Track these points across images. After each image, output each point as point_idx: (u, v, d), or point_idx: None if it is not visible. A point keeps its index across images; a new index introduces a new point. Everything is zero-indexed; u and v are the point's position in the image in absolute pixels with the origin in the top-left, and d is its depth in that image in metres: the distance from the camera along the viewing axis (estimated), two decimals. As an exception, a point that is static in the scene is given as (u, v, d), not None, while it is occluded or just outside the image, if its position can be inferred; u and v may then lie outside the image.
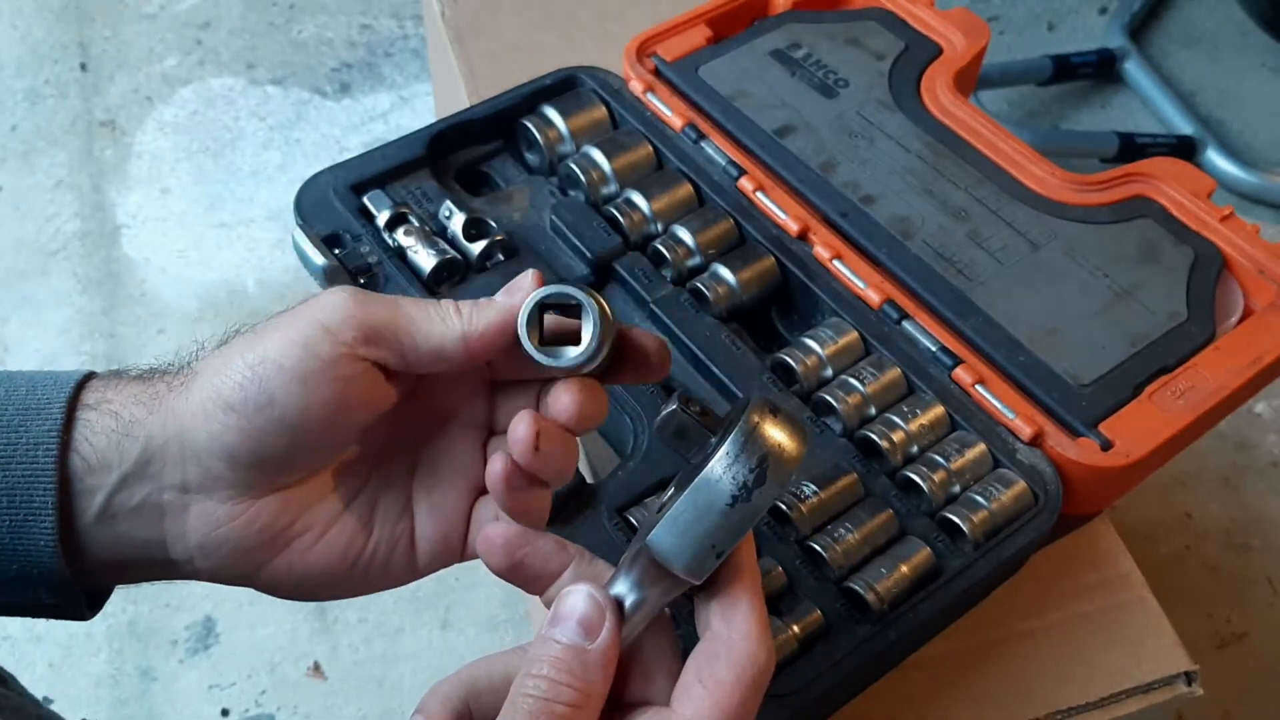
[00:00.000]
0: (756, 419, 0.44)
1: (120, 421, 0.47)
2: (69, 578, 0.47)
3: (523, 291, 0.48)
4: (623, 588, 0.46)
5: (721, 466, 0.43)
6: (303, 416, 0.46)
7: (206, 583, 0.51)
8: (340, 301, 0.47)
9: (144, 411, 0.47)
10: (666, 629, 0.48)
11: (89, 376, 0.49)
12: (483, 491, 0.52)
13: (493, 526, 0.49)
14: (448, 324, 0.47)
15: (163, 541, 0.48)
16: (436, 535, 0.52)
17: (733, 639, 0.44)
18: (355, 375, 0.46)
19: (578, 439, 0.50)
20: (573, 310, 0.47)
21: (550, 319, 0.48)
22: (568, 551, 0.49)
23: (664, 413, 0.48)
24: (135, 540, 0.48)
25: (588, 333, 0.47)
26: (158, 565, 0.49)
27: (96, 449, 0.47)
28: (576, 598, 0.45)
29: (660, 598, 0.45)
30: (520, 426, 0.47)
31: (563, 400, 0.48)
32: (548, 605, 0.48)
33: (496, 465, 0.48)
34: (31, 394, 0.48)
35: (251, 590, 0.51)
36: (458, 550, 0.53)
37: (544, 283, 0.48)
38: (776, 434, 0.44)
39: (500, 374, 0.52)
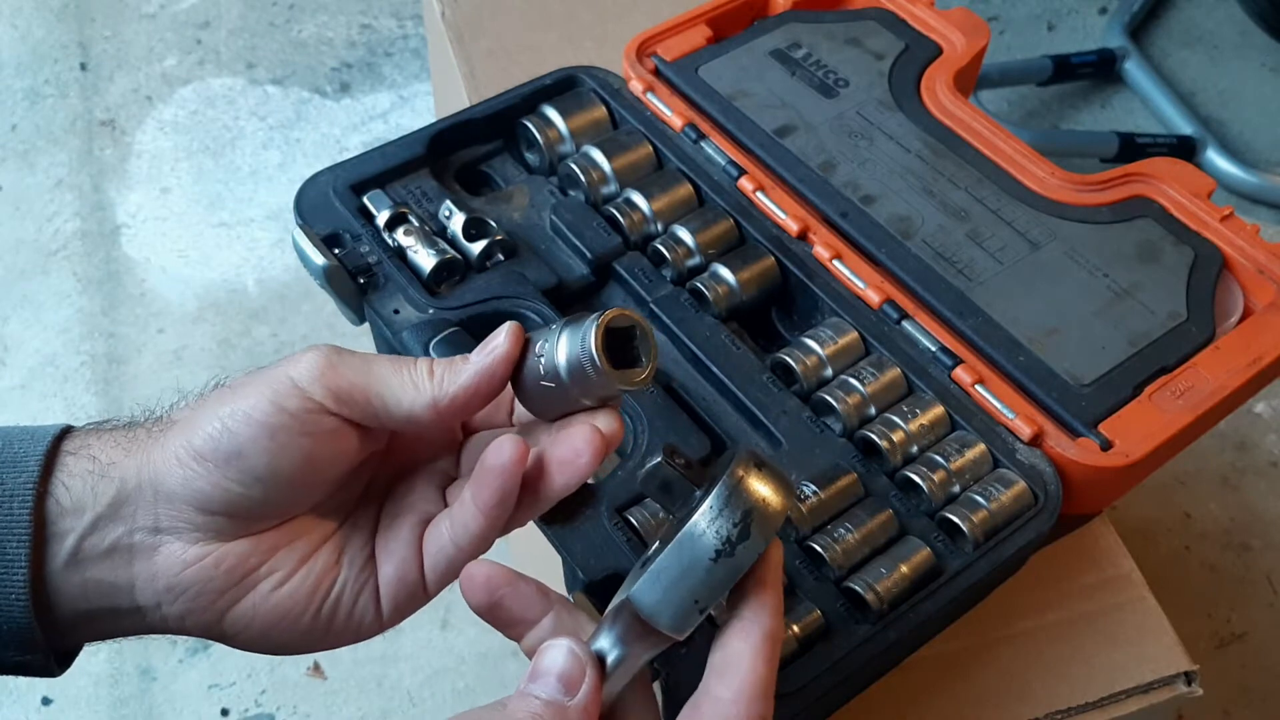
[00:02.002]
0: (740, 473, 0.44)
1: (97, 464, 0.48)
2: (39, 632, 0.47)
3: (500, 349, 0.48)
4: (605, 642, 0.45)
5: (705, 521, 0.43)
6: (271, 469, 0.47)
7: (175, 635, 0.51)
8: (314, 360, 0.48)
9: (121, 454, 0.48)
10: (647, 686, 0.48)
11: (68, 430, 0.50)
12: (429, 521, 0.53)
13: (476, 564, 0.49)
14: (419, 389, 0.48)
15: (131, 586, 0.49)
16: (396, 576, 0.52)
17: (722, 698, 0.44)
18: (324, 431, 0.47)
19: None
20: (621, 335, 0.47)
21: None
22: (549, 599, 0.49)
23: (648, 466, 0.48)
24: (104, 585, 0.48)
25: (646, 353, 0.47)
26: (125, 614, 0.49)
27: (72, 492, 0.47)
28: (556, 652, 0.45)
29: (643, 653, 0.45)
30: (580, 441, 0.48)
31: (614, 424, 0.48)
32: (527, 654, 0.48)
33: (509, 451, 0.47)
34: (8, 448, 0.48)
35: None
36: (419, 586, 0.53)
37: (523, 335, 0.49)
38: (761, 488, 0.44)
39: (475, 424, 0.53)
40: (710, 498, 0.43)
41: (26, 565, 0.46)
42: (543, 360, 0.48)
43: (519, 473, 0.48)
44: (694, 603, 0.44)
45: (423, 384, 0.48)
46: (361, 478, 0.53)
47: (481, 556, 0.51)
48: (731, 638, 0.45)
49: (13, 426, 0.50)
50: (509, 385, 0.49)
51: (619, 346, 0.47)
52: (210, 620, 0.50)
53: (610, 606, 0.46)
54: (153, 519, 0.48)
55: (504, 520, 0.50)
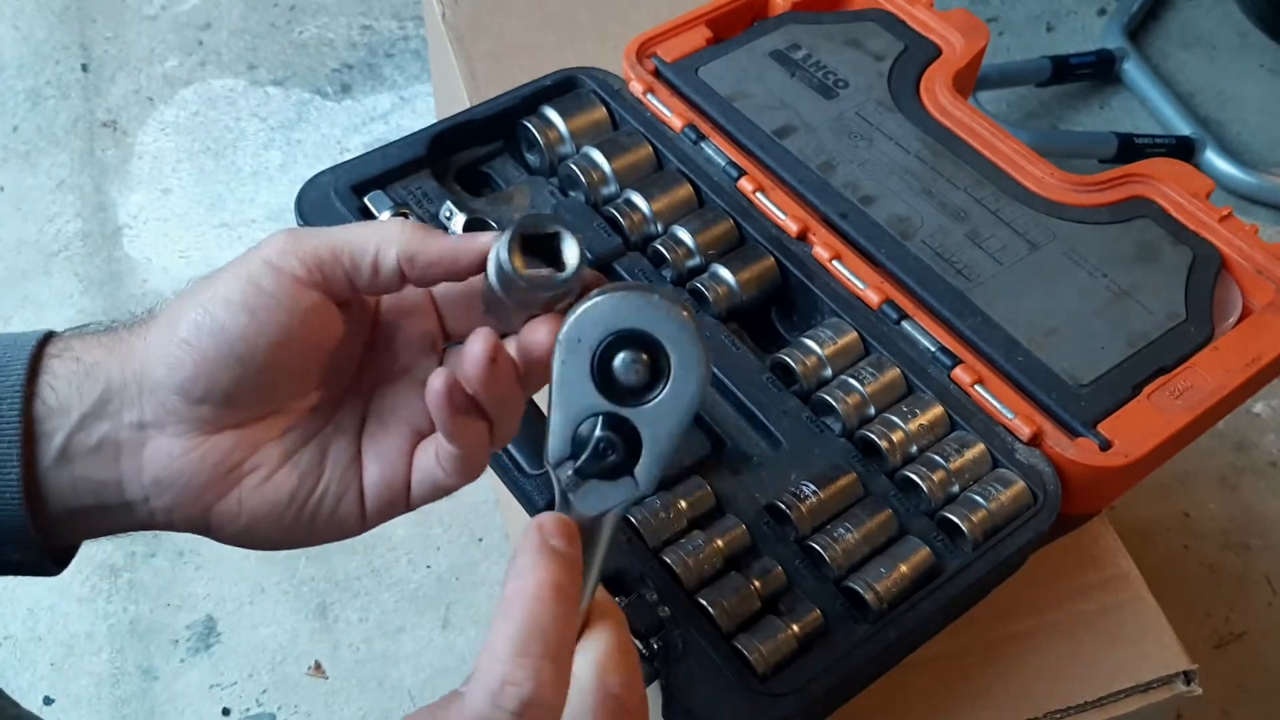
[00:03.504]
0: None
1: (82, 364, 0.49)
2: (34, 529, 0.48)
3: (477, 240, 0.48)
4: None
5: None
6: (251, 348, 0.47)
7: (163, 531, 0.52)
8: (282, 237, 0.48)
9: (105, 353, 0.49)
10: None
11: (51, 334, 0.50)
12: (423, 436, 0.53)
13: (435, 375, 0.49)
14: (386, 237, 0.48)
15: (119, 481, 0.49)
16: (382, 481, 0.52)
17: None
18: (302, 307, 0.48)
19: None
20: (544, 243, 0.47)
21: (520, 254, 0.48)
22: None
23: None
24: (92, 482, 0.49)
25: (572, 255, 0.47)
26: (114, 510, 0.50)
27: (58, 392, 0.48)
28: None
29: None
30: (476, 344, 0.47)
31: (540, 331, 0.48)
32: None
33: (438, 381, 0.47)
34: None
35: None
36: (402, 496, 0.53)
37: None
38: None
39: (454, 331, 0.53)
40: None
41: (19, 463, 0.47)
42: (489, 274, 0.48)
43: (460, 396, 0.48)
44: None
45: (389, 230, 0.48)
46: (345, 374, 0.53)
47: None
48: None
49: None
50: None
51: (540, 251, 0.47)
52: (196, 514, 0.50)
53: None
54: (138, 414, 0.49)
55: (480, 441, 0.50)
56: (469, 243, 0.49)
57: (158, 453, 0.49)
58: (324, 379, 0.52)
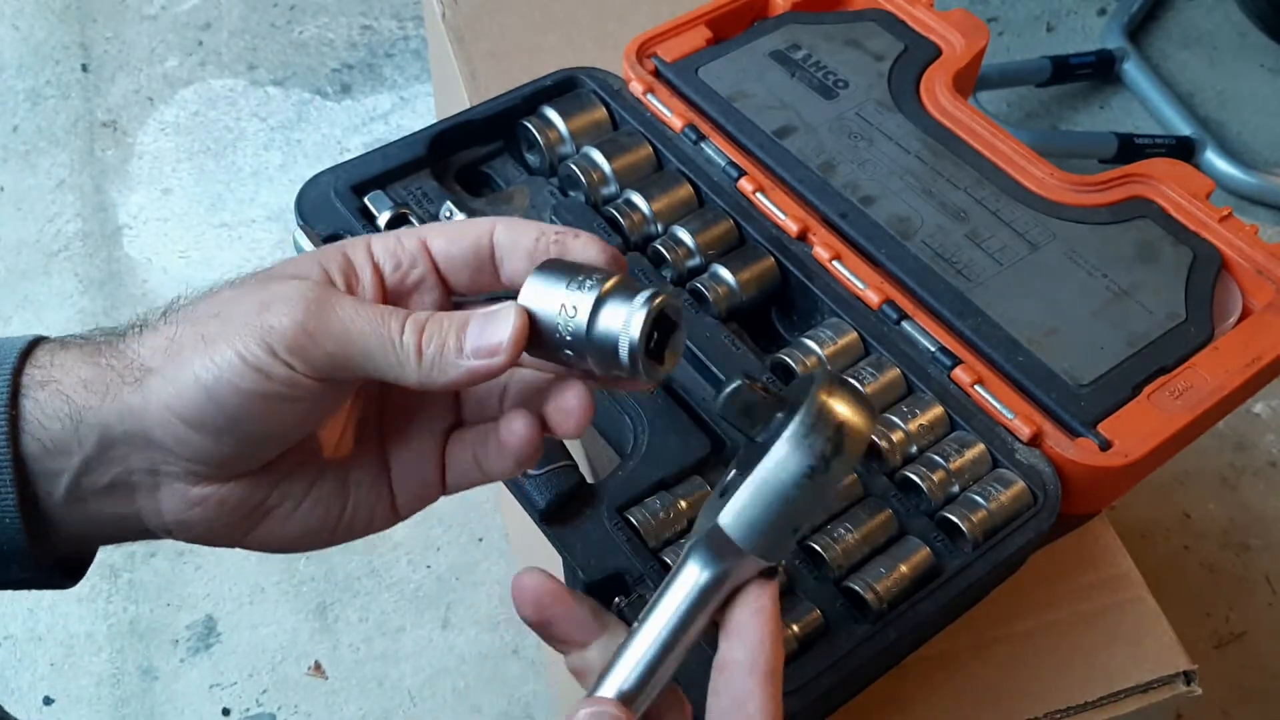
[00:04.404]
0: (827, 392, 0.43)
1: (72, 406, 0.46)
2: (36, 554, 0.47)
3: (504, 345, 0.44)
4: (695, 565, 0.44)
5: (797, 439, 0.42)
6: (263, 434, 0.45)
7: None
8: (289, 323, 0.43)
9: (95, 399, 0.46)
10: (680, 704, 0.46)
11: (34, 344, 0.48)
12: (452, 429, 0.51)
13: (527, 574, 0.47)
14: (404, 364, 0.44)
15: (138, 515, 0.48)
16: (412, 481, 0.51)
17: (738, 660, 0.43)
18: (314, 394, 0.45)
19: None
20: (658, 323, 0.44)
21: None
22: (601, 623, 0.47)
23: (729, 389, 0.45)
24: (110, 516, 0.48)
25: (676, 348, 0.45)
26: (134, 534, 0.49)
27: (51, 432, 0.46)
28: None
29: (732, 581, 0.44)
30: (572, 399, 0.46)
31: (585, 400, 0.47)
32: (573, 674, 0.47)
33: (518, 435, 0.46)
34: None
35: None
36: (435, 491, 0.52)
37: (526, 313, 0.44)
38: (847, 405, 0.43)
39: (459, 290, 0.50)
40: (801, 415, 0.42)
41: (13, 489, 0.45)
42: (568, 324, 0.44)
43: (541, 441, 0.48)
44: (787, 523, 0.43)
45: (408, 361, 0.44)
46: (353, 406, 0.51)
47: (531, 566, 0.49)
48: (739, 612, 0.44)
49: None
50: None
51: (653, 334, 0.44)
52: (225, 544, 0.49)
53: (692, 536, 0.45)
54: (148, 462, 0.46)
55: (539, 442, 0.49)
56: (495, 359, 0.44)
57: (174, 497, 0.47)
58: (339, 418, 0.50)
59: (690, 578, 0.44)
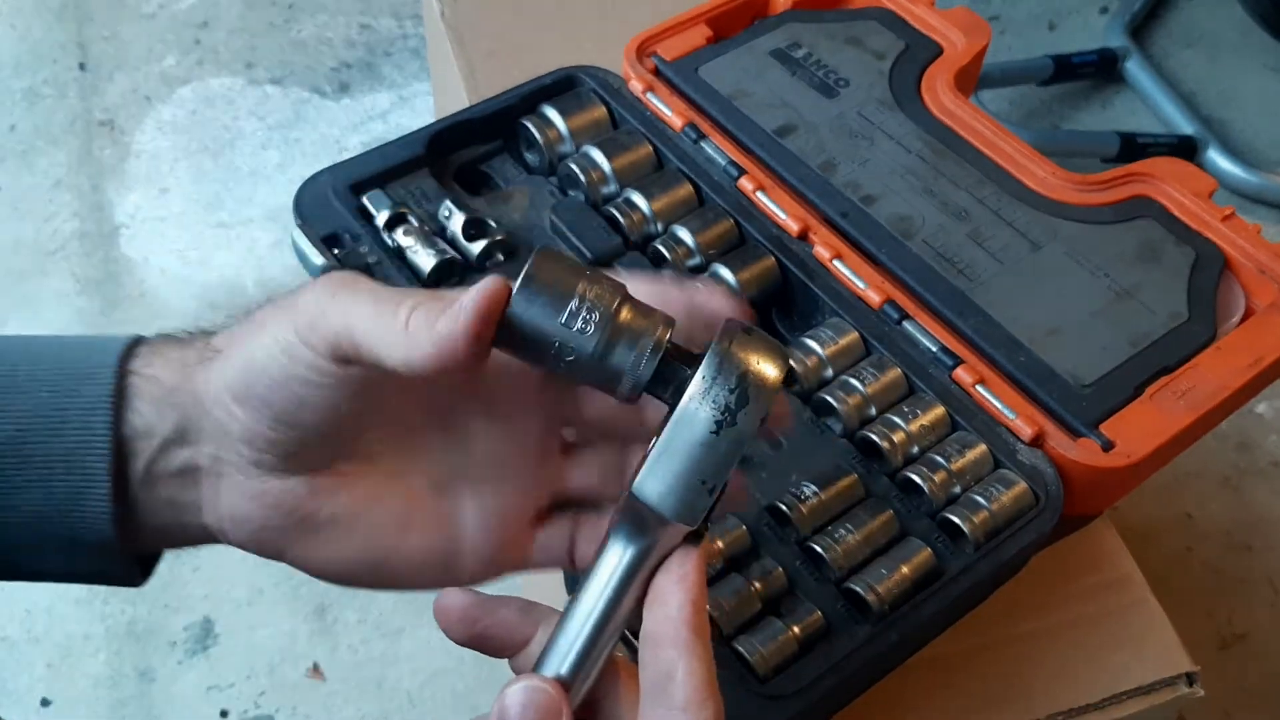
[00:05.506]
0: (727, 340, 0.42)
1: (162, 388, 0.47)
2: (122, 545, 0.47)
3: (485, 294, 0.41)
4: (615, 545, 0.43)
5: (699, 394, 0.41)
6: (297, 418, 0.45)
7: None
8: (310, 302, 0.44)
9: (180, 379, 0.47)
10: (629, 673, 0.45)
11: (137, 341, 0.49)
12: (552, 507, 0.49)
13: (448, 595, 0.46)
14: (390, 335, 0.42)
15: (199, 506, 0.48)
16: (486, 547, 0.49)
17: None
18: (339, 380, 0.44)
19: None
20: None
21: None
22: (533, 617, 0.47)
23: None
24: (176, 503, 0.48)
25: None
26: (193, 529, 0.49)
27: (142, 414, 0.47)
28: (512, 698, 0.42)
29: (655, 550, 0.42)
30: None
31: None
32: (517, 672, 0.46)
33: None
34: (83, 360, 0.47)
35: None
36: (515, 563, 0.49)
37: (508, 288, 0.42)
38: (750, 352, 0.41)
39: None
40: (700, 369, 0.41)
41: (109, 480, 0.46)
42: (572, 339, 0.42)
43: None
44: (701, 483, 0.41)
45: (395, 329, 0.42)
46: (422, 425, 0.48)
47: (448, 589, 0.48)
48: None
49: (79, 338, 0.49)
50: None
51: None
52: (272, 552, 0.49)
53: (614, 511, 0.44)
54: (213, 447, 0.47)
55: None
56: (464, 317, 0.41)
57: (231, 490, 0.47)
58: (401, 420, 0.48)
59: (615, 553, 0.43)
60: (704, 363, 0.41)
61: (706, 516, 0.42)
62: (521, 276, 0.42)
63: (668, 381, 0.43)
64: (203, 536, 0.49)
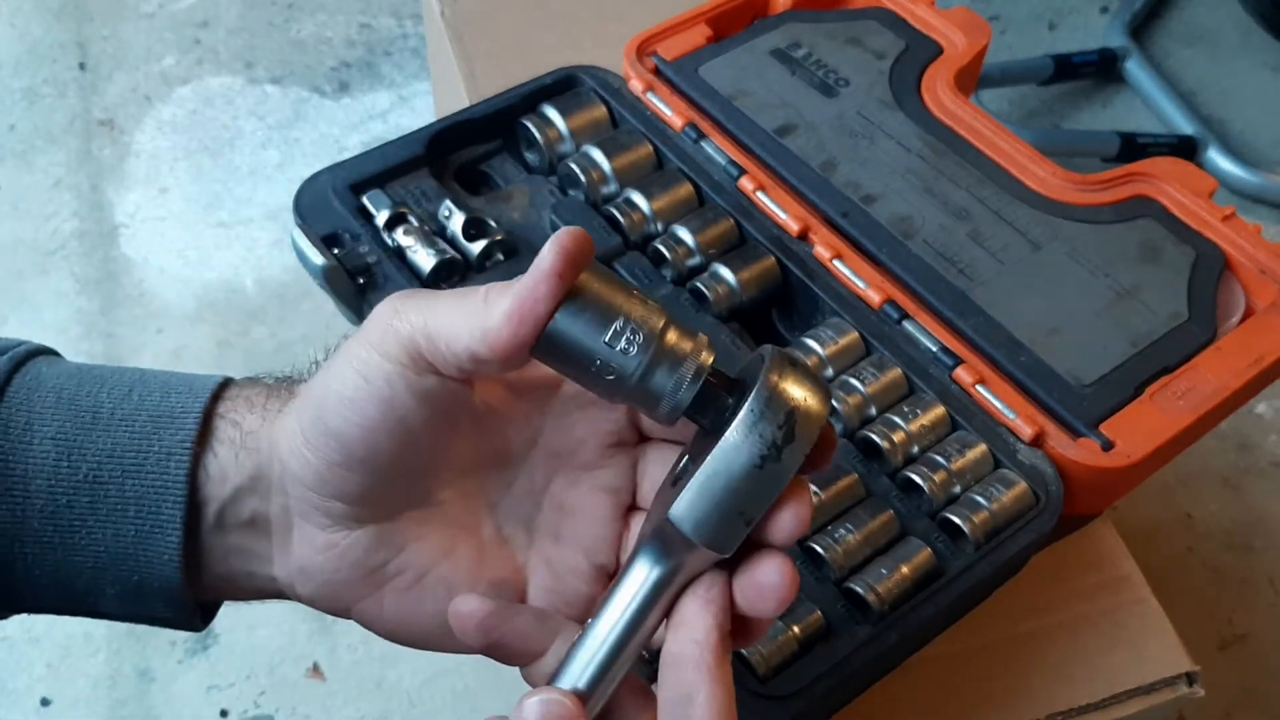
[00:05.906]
0: (776, 375, 0.41)
1: (240, 432, 0.46)
2: (187, 592, 0.46)
3: (569, 232, 0.40)
4: (645, 561, 0.42)
5: (746, 427, 0.40)
6: (370, 448, 0.44)
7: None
8: (380, 312, 0.43)
9: (258, 423, 0.46)
10: (646, 696, 0.45)
11: (225, 384, 0.48)
12: (613, 574, 0.48)
13: (464, 600, 0.46)
14: (479, 318, 0.41)
15: (269, 557, 0.47)
16: (552, 607, 0.48)
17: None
18: (419, 394, 0.43)
19: None
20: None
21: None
22: (549, 626, 0.46)
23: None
24: (244, 552, 0.47)
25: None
26: (262, 580, 0.48)
27: (220, 459, 0.46)
28: (530, 711, 0.41)
29: (685, 574, 0.42)
30: (773, 574, 0.42)
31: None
32: (531, 682, 0.46)
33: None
34: (166, 400, 0.46)
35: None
36: (577, 618, 0.48)
37: (582, 252, 0.41)
38: (799, 388, 0.41)
39: (647, 427, 0.48)
40: (750, 401, 0.40)
41: (180, 528, 0.45)
42: (614, 358, 0.42)
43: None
44: (739, 514, 0.41)
45: (481, 312, 0.41)
46: (495, 480, 0.48)
47: (465, 594, 0.47)
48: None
49: (168, 374, 0.48)
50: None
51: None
52: (339, 608, 0.48)
53: (642, 530, 0.44)
54: (284, 497, 0.46)
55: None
56: (540, 271, 0.41)
57: (303, 542, 0.46)
58: (475, 468, 0.47)
59: (642, 572, 0.42)
60: (752, 396, 0.41)
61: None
62: (567, 292, 0.42)
63: (706, 407, 0.43)
64: (270, 588, 0.48)
